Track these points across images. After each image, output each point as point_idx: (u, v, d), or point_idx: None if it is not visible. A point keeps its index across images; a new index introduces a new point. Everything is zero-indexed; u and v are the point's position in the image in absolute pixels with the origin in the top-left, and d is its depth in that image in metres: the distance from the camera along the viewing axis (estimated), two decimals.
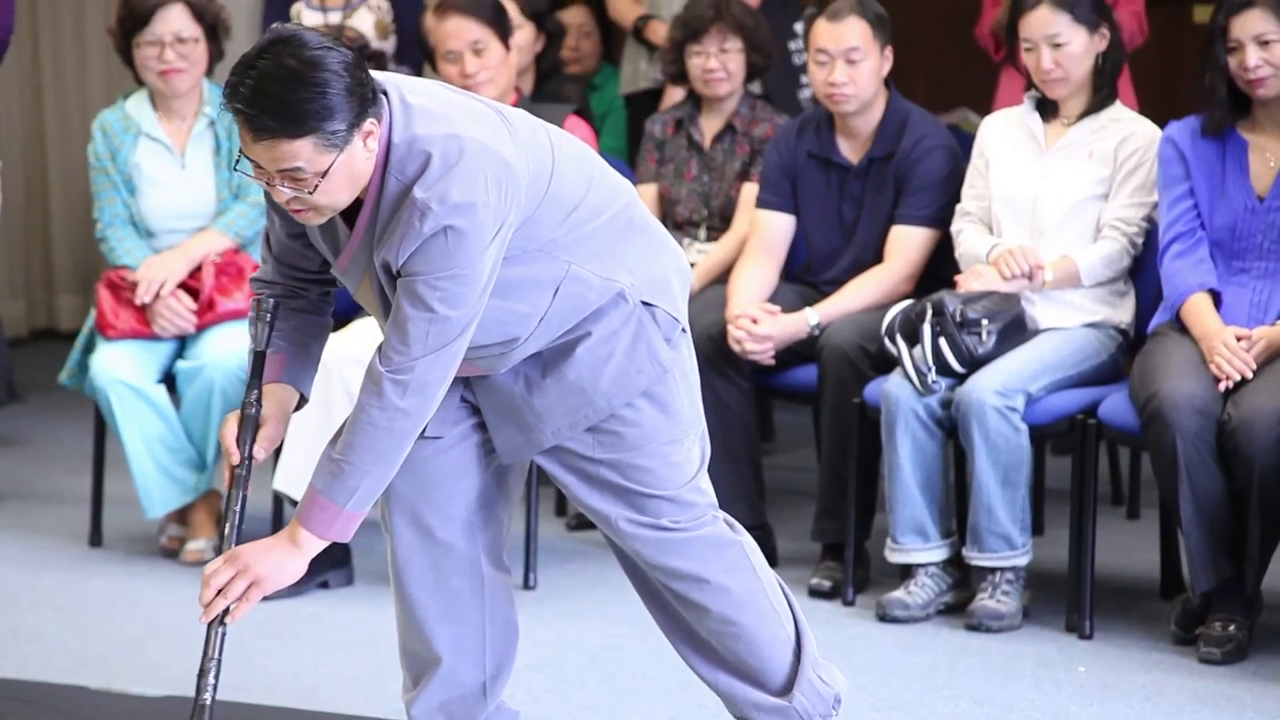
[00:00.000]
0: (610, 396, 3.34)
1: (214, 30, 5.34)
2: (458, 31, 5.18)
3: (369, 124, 3.10)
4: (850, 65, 5.04)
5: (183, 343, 5.29)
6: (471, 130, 3.15)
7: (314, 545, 3.23)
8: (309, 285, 3.42)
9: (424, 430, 3.28)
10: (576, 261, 3.28)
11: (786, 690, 3.48)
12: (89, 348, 5.31)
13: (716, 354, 5.05)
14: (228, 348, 5.17)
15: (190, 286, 5.25)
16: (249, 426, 3.32)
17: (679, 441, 3.40)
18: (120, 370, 5.16)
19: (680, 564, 3.41)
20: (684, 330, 3.43)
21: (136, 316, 5.24)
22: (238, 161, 3.16)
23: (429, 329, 3.13)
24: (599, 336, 3.33)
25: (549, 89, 5.70)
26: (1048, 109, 4.90)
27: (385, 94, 3.16)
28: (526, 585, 4.97)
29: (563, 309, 3.30)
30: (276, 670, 4.41)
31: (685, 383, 3.42)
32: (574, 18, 6.60)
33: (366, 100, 3.10)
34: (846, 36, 5.04)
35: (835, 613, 4.82)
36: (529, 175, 3.20)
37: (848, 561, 4.89)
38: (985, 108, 5.75)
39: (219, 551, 5.37)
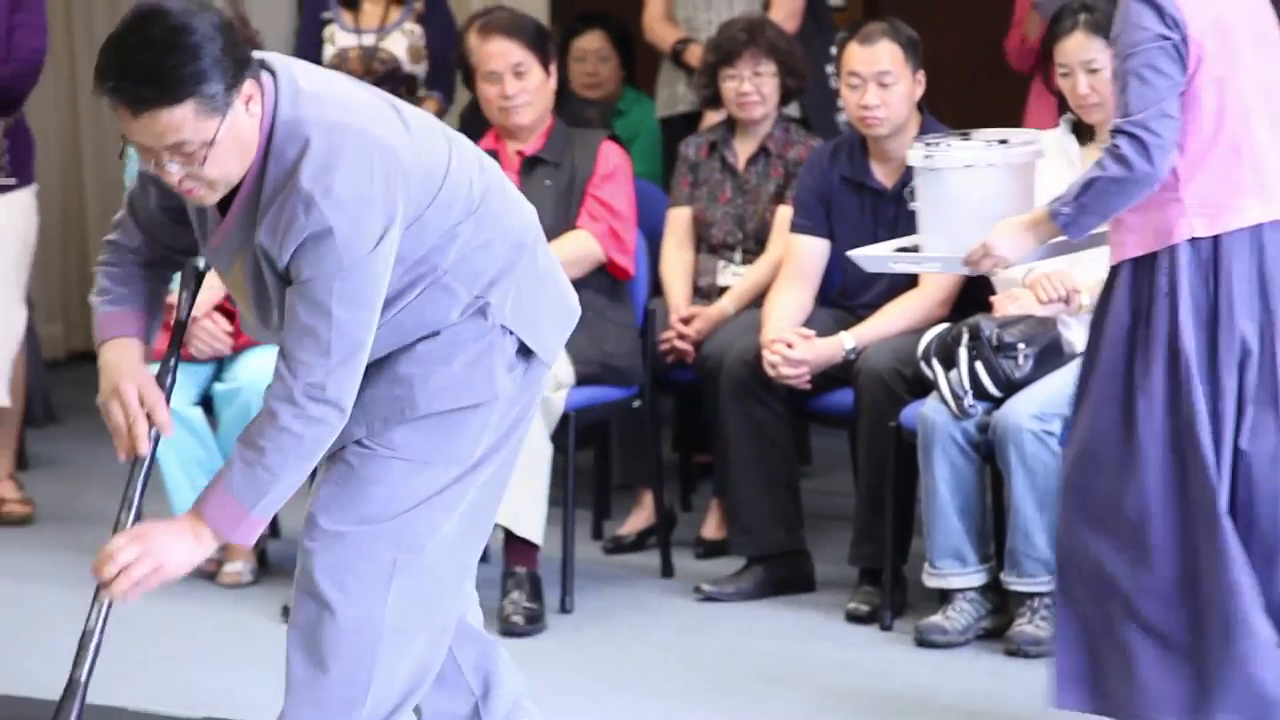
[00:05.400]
0: (433, 399, 3.20)
1: None
2: (501, 53, 5.17)
3: (248, 86, 3.00)
4: (882, 88, 5.05)
5: (220, 365, 5.31)
6: (360, 120, 3.06)
7: (214, 543, 3.13)
8: (173, 256, 3.33)
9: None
10: (452, 272, 3.18)
11: None
12: None
13: (752, 379, 5.05)
14: (265, 370, 5.14)
15: (226, 309, 5.26)
16: (169, 397, 3.26)
17: (433, 466, 3.21)
18: None
19: (330, 581, 3.19)
20: (537, 367, 3.29)
21: None
22: (123, 150, 3.07)
23: (331, 334, 3.04)
24: (444, 339, 3.21)
25: (569, 114, 5.64)
26: (1084, 132, 4.90)
27: (274, 71, 3.06)
28: (563, 608, 4.98)
29: (421, 314, 3.18)
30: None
31: (498, 421, 3.25)
32: (591, 43, 6.53)
33: (242, 62, 3.00)
34: (878, 59, 5.05)
35: (873, 637, 4.81)
36: (419, 172, 3.11)
37: (885, 586, 4.88)
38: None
39: (256, 574, 5.35)
